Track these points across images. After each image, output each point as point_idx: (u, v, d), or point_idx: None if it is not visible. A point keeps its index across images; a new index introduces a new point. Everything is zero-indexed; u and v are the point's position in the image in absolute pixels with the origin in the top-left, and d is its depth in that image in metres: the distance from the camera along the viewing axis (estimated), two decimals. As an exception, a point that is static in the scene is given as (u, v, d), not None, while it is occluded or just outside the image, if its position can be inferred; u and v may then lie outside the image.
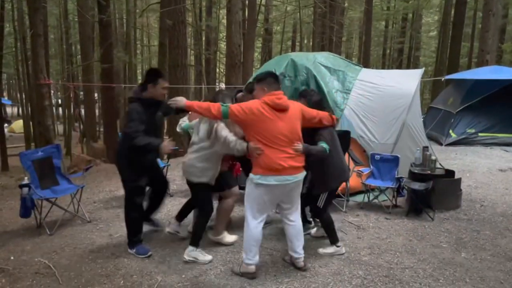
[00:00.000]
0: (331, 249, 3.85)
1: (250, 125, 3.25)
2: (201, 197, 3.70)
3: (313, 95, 3.91)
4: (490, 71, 9.77)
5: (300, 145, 3.33)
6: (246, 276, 3.38)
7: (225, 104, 3.27)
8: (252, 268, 3.39)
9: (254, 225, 3.35)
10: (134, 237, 3.90)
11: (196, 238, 3.66)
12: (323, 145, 3.52)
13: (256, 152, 3.21)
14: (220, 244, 4.00)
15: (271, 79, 3.37)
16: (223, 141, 3.36)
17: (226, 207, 3.96)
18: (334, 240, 3.86)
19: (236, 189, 4.06)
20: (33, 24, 7.58)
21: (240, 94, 4.30)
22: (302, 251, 3.52)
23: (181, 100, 3.38)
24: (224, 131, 3.40)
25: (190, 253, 3.63)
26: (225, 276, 3.42)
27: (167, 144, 3.72)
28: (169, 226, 4.10)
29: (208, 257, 3.67)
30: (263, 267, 3.57)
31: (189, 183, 3.69)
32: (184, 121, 4.23)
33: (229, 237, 4.02)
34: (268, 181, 3.23)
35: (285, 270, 3.52)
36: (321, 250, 3.86)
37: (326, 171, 3.70)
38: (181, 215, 4.13)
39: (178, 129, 3.75)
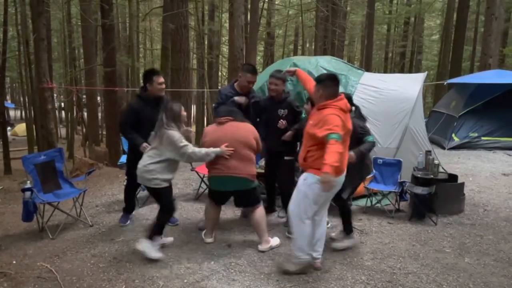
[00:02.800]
0: (347, 243, 3.97)
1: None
2: (166, 199, 3.90)
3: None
4: (493, 75, 9.76)
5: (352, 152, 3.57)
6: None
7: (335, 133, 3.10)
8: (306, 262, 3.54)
9: (308, 224, 3.44)
10: (125, 205, 4.76)
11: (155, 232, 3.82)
12: (369, 139, 3.64)
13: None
14: (221, 249, 4.00)
15: (329, 82, 3.32)
16: (200, 156, 3.76)
17: (259, 216, 3.97)
18: (350, 230, 3.99)
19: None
20: (36, 28, 7.58)
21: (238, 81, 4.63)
22: (318, 255, 3.56)
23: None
24: (189, 147, 3.72)
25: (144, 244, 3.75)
26: (227, 281, 3.41)
27: (145, 145, 4.11)
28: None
29: (159, 254, 3.77)
30: (266, 272, 3.56)
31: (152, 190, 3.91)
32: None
33: (275, 240, 4.07)
34: (340, 180, 3.35)
35: (287, 275, 3.50)
36: (337, 245, 3.95)
37: (361, 167, 3.84)
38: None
39: None
